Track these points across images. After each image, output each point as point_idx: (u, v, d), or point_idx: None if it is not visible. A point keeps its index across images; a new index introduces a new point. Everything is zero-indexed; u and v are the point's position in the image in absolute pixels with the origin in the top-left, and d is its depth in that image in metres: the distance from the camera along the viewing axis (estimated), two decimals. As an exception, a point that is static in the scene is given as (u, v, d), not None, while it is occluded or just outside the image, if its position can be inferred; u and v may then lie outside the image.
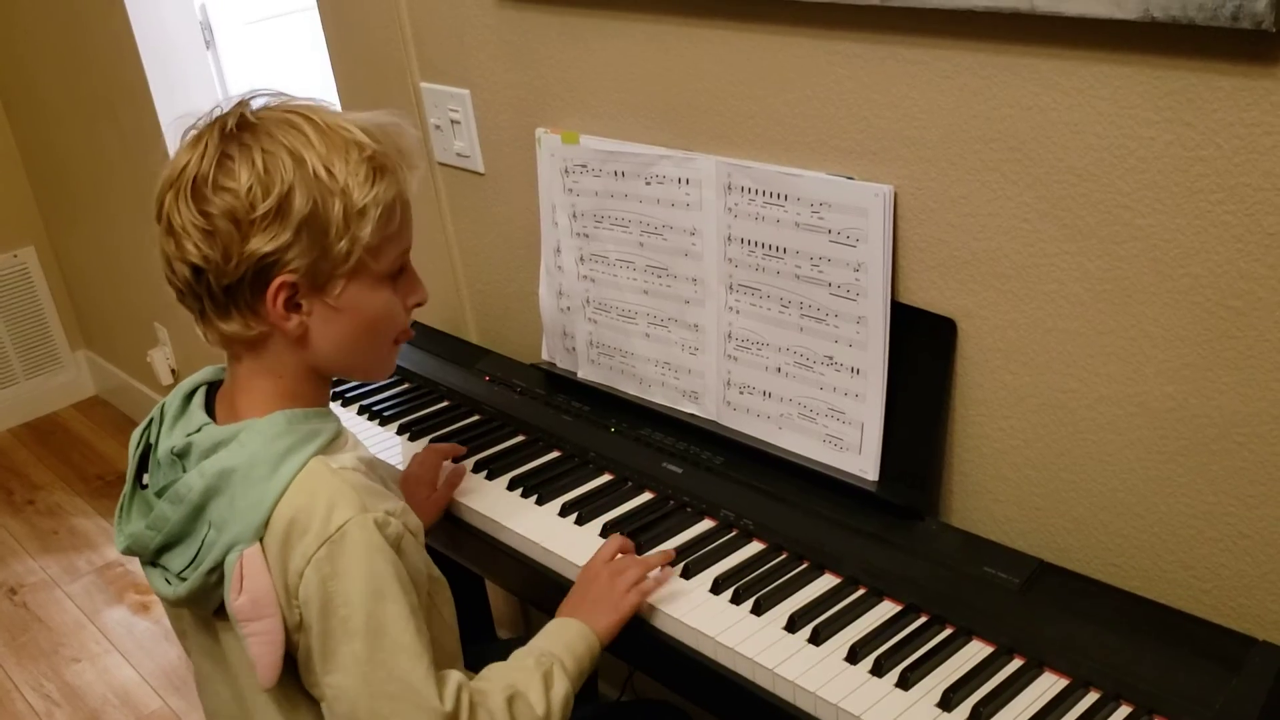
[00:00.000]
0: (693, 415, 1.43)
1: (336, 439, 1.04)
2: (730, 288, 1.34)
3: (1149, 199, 0.99)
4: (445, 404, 1.59)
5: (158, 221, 1.01)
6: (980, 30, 1.05)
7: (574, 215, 1.49)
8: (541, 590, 1.24)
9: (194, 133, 1.01)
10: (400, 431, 1.53)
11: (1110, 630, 1.03)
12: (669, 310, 1.42)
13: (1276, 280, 0.94)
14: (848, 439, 1.27)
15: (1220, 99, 0.92)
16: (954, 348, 1.19)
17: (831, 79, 1.19)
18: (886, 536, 1.18)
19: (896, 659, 1.03)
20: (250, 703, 1.04)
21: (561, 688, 1.05)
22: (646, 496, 1.32)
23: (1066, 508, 1.16)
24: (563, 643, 1.09)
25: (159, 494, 1.02)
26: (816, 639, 1.07)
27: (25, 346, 3.39)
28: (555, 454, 1.42)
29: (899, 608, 1.10)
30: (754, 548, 1.21)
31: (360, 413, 1.59)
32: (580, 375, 1.56)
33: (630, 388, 1.50)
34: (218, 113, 1.02)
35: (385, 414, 1.57)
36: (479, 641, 1.39)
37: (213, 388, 1.10)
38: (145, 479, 1.08)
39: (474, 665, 1.15)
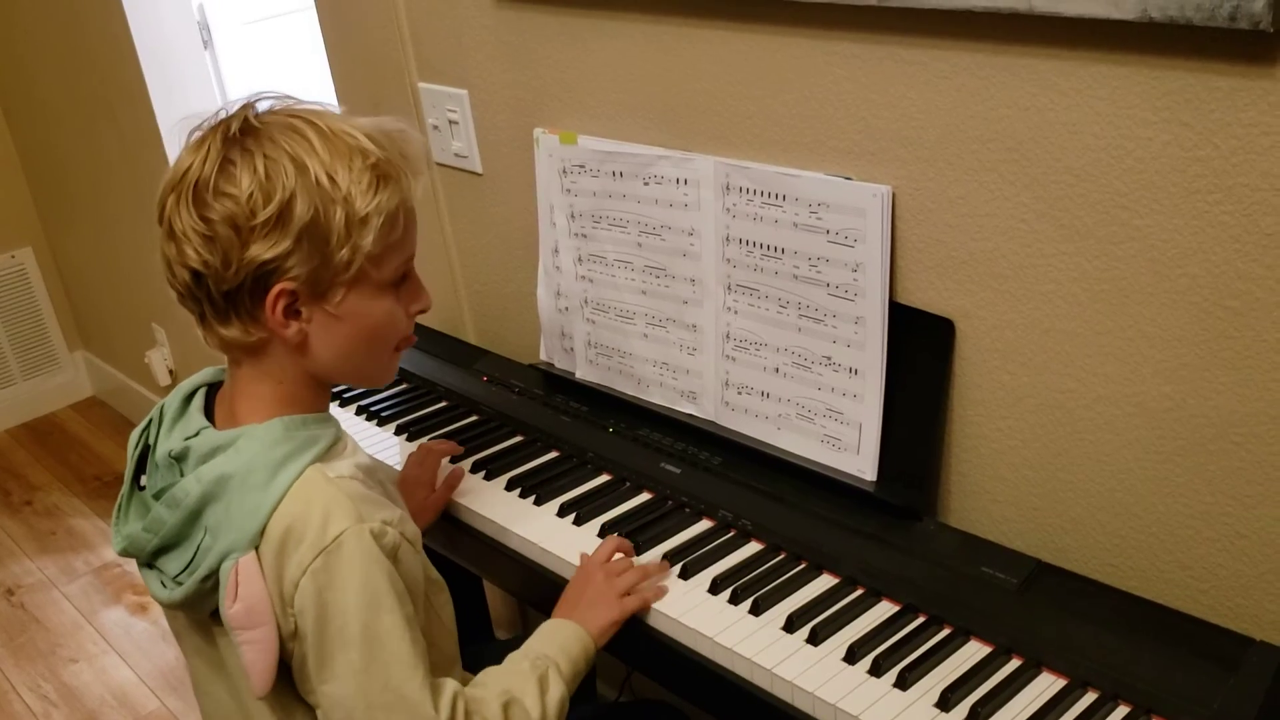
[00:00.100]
0: (691, 415, 1.43)
1: (335, 445, 1.03)
2: (728, 288, 1.34)
3: (1146, 199, 1.00)
4: (443, 404, 1.58)
5: (159, 224, 1.00)
6: (978, 31, 1.05)
7: (572, 215, 1.49)
8: (540, 590, 1.24)
9: (198, 135, 1.00)
10: (399, 432, 1.53)
11: (1108, 630, 1.03)
12: (667, 310, 1.42)
13: (1274, 280, 0.94)
14: (846, 439, 1.27)
15: (1218, 99, 0.92)
16: (952, 348, 1.19)
17: (830, 79, 1.19)
18: (885, 537, 1.18)
19: (895, 659, 1.03)
20: (249, 706, 1.04)
21: (557, 691, 1.05)
22: (645, 497, 1.32)
23: (1064, 508, 1.16)
24: (558, 645, 1.09)
25: (156, 496, 1.02)
26: (815, 639, 1.07)
27: (23, 347, 3.39)
28: (553, 454, 1.42)
29: (897, 608, 1.10)
30: (752, 548, 1.21)
31: (358, 413, 1.59)
32: (578, 375, 1.56)
33: (628, 388, 1.50)
34: (222, 115, 1.01)
35: (383, 414, 1.57)
36: (477, 642, 1.39)
37: (212, 389, 1.10)
38: (143, 480, 1.08)
39: (472, 665, 1.15)
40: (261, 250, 0.96)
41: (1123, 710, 0.96)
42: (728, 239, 1.32)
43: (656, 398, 1.47)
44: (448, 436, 1.48)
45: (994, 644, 1.04)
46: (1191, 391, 1.03)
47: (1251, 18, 0.86)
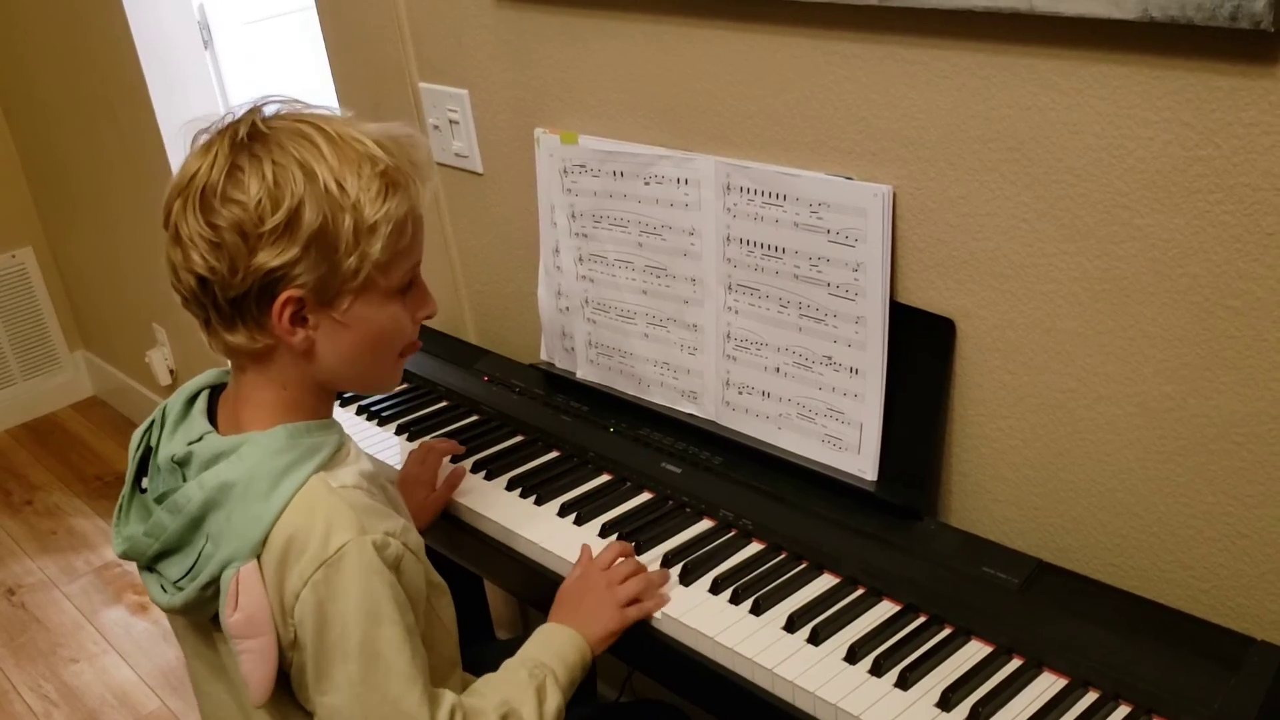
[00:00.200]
0: (691, 415, 1.43)
1: (339, 452, 1.03)
2: (729, 288, 1.34)
3: (1147, 199, 0.99)
4: (444, 404, 1.58)
5: (165, 229, 0.99)
6: (979, 30, 1.05)
7: (573, 215, 1.49)
8: (540, 590, 1.24)
9: (204, 139, 1.00)
10: (399, 432, 1.53)
11: (1109, 630, 1.03)
12: (668, 310, 1.42)
13: (1275, 280, 0.94)
14: (847, 439, 1.27)
15: (1218, 99, 0.92)
16: (953, 348, 1.19)
17: (830, 79, 1.19)
18: (885, 536, 1.18)
19: (895, 659, 1.03)
20: (248, 708, 1.04)
21: (554, 701, 1.05)
22: (645, 497, 1.32)
23: (1065, 507, 1.16)
24: (555, 652, 1.09)
25: (158, 500, 1.01)
26: (815, 639, 1.07)
27: (23, 347, 3.38)
28: (554, 454, 1.42)
29: (898, 608, 1.10)
30: (753, 548, 1.21)
31: (359, 413, 1.59)
32: (579, 375, 1.56)
33: (629, 388, 1.50)
34: (230, 119, 1.00)
35: (384, 414, 1.57)
36: (477, 642, 1.39)
37: (215, 391, 1.09)
38: (144, 482, 1.08)
39: (472, 666, 1.15)
40: (269, 257, 0.95)
41: (1124, 710, 0.96)
42: (728, 239, 1.32)
43: (657, 397, 1.47)
44: (448, 436, 1.48)
45: (995, 644, 1.04)
46: (1193, 391, 1.03)
47: (1252, 17, 0.86)
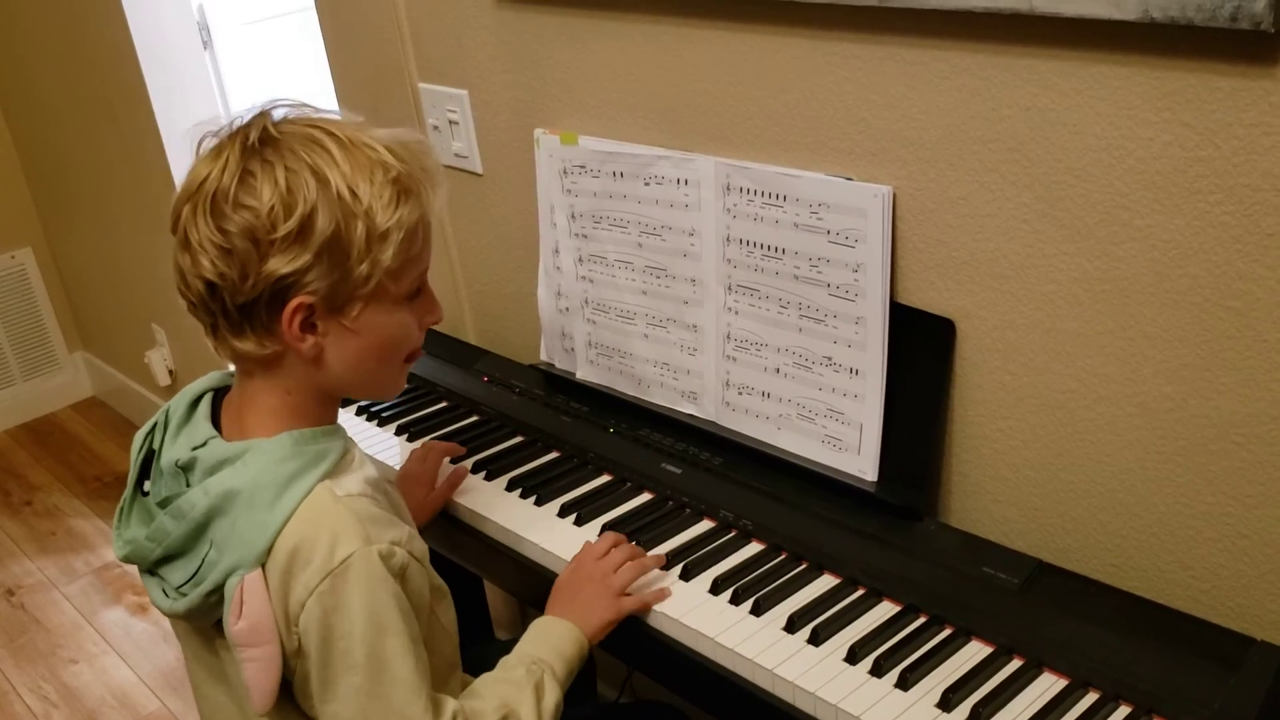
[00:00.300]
0: (691, 416, 1.43)
1: (344, 459, 1.02)
2: (729, 288, 1.34)
3: (1148, 199, 1.00)
4: (444, 404, 1.58)
5: (173, 233, 0.99)
6: (979, 31, 1.05)
7: (572, 216, 1.49)
8: (540, 591, 1.24)
9: (213, 143, 0.99)
10: (399, 432, 1.53)
11: (1109, 630, 1.03)
12: (668, 311, 1.42)
13: (1275, 281, 0.94)
14: (847, 439, 1.27)
15: (1219, 99, 0.92)
16: (953, 348, 1.19)
17: (830, 80, 1.19)
18: (885, 537, 1.18)
19: (896, 659, 1.03)
20: (248, 711, 1.03)
21: (553, 697, 1.05)
22: (645, 497, 1.32)
23: (1065, 508, 1.16)
24: (552, 646, 1.09)
25: (161, 505, 1.01)
26: (816, 639, 1.07)
27: (23, 348, 3.38)
28: (554, 454, 1.42)
29: (898, 608, 1.10)
30: (753, 548, 1.21)
31: (359, 413, 1.59)
32: (579, 376, 1.56)
33: (629, 388, 1.50)
34: (238, 123, 0.99)
35: (384, 415, 1.57)
36: (477, 643, 1.39)
37: (219, 394, 1.08)
38: (146, 485, 1.07)
39: (472, 666, 1.15)
40: (280, 264, 0.95)
41: (1124, 710, 0.96)
42: (728, 239, 1.32)
43: (657, 398, 1.47)
44: (448, 437, 1.48)
45: (995, 644, 1.04)
46: (1193, 392, 1.03)
47: (1252, 18, 0.86)
